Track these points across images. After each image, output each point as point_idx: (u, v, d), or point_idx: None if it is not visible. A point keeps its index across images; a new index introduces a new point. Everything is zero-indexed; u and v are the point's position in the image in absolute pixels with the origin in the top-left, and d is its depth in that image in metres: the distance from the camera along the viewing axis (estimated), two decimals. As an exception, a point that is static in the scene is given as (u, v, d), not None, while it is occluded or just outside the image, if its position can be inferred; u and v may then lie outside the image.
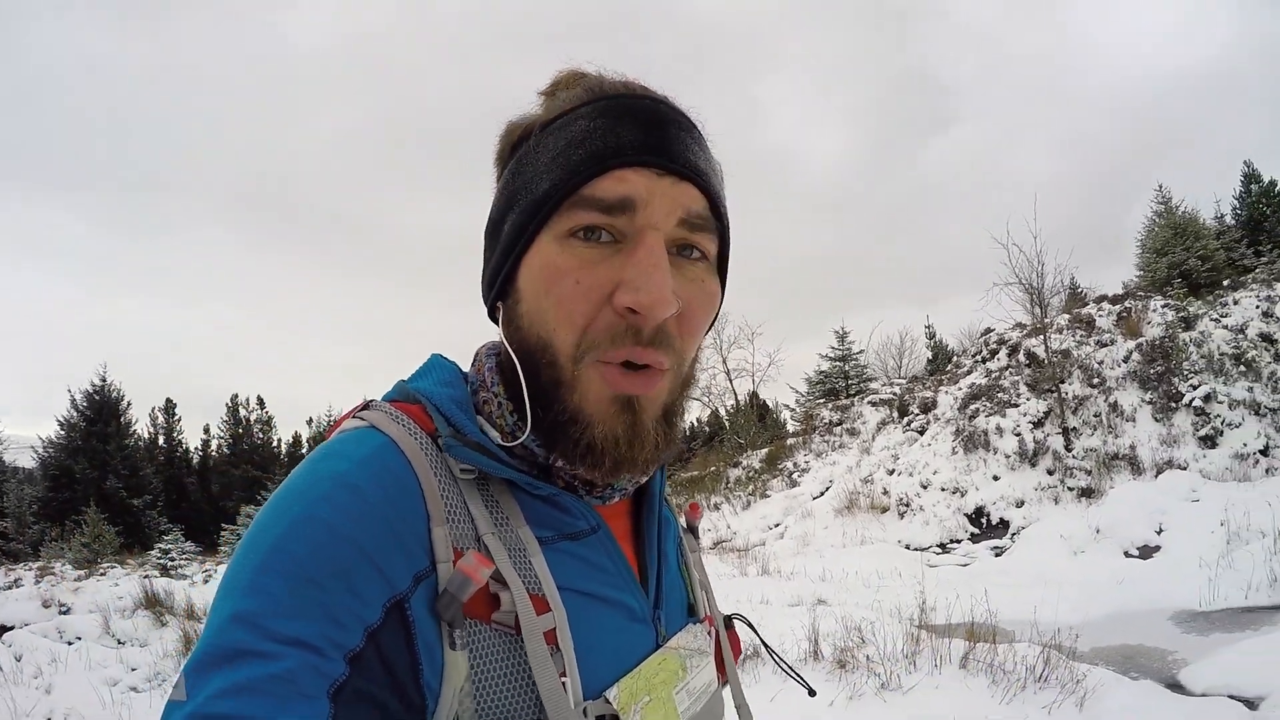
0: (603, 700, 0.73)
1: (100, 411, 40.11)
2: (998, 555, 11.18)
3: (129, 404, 42.40)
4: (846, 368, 33.35)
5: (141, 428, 45.84)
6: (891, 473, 15.44)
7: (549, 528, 0.78)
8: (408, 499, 0.69)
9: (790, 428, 27.97)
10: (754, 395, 32.44)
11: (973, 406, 15.72)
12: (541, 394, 0.76)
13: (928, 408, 17.84)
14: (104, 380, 41.26)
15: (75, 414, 39.80)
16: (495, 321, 0.85)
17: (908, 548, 12.49)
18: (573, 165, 0.74)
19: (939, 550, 12.21)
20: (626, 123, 0.75)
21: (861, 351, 33.95)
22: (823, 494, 16.20)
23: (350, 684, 0.61)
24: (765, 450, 22.88)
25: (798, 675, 1.14)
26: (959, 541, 12.36)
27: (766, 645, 1.14)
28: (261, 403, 52.81)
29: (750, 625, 1.16)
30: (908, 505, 13.76)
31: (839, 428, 20.80)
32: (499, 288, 0.81)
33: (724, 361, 32.18)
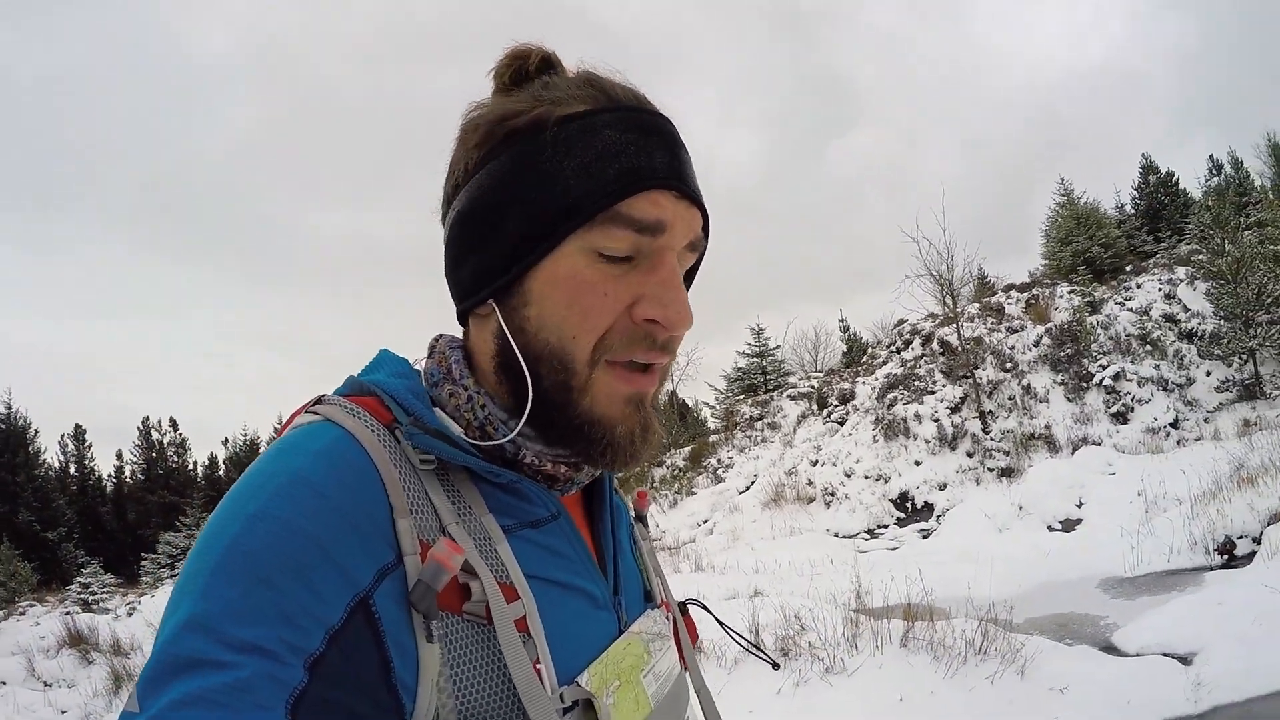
0: (576, 685, 0.73)
1: (7, 442, 38.64)
2: (925, 537, 11.44)
3: (36, 432, 41.06)
4: (764, 363, 33.71)
5: (51, 456, 44.61)
6: (815, 464, 15.67)
7: (510, 516, 0.77)
8: (369, 491, 0.67)
9: (712, 425, 28.21)
10: (673, 395, 32.63)
11: (891, 395, 16.06)
12: (549, 396, 0.76)
13: (846, 399, 18.16)
14: (9, 408, 39.87)
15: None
16: (461, 318, 0.84)
17: (837, 535, 12.67)
18: (608, 179, 0.73)
19: (867, 536, 12.43)
20: (654, 142, 0.76)
21: (778, 347, 34.43)
22: (749, 488, 16.40)
23: (311, 692, 0.58)
24: (689, 448, 23.01)
25: (760, 651, 1.17)
26: (886, 527, 12.60)
27: (724, 625, 1.17)
28: (175, 424, 51.81)
29: (706, 608, 1.16)
30: (833, 494, 13.97)
31: (760, 423, 21.08)
32: (493, 288, 0.78)
33: (642, 363, 32.41)
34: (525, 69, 0.81)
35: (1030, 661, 5.21)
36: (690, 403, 35.67)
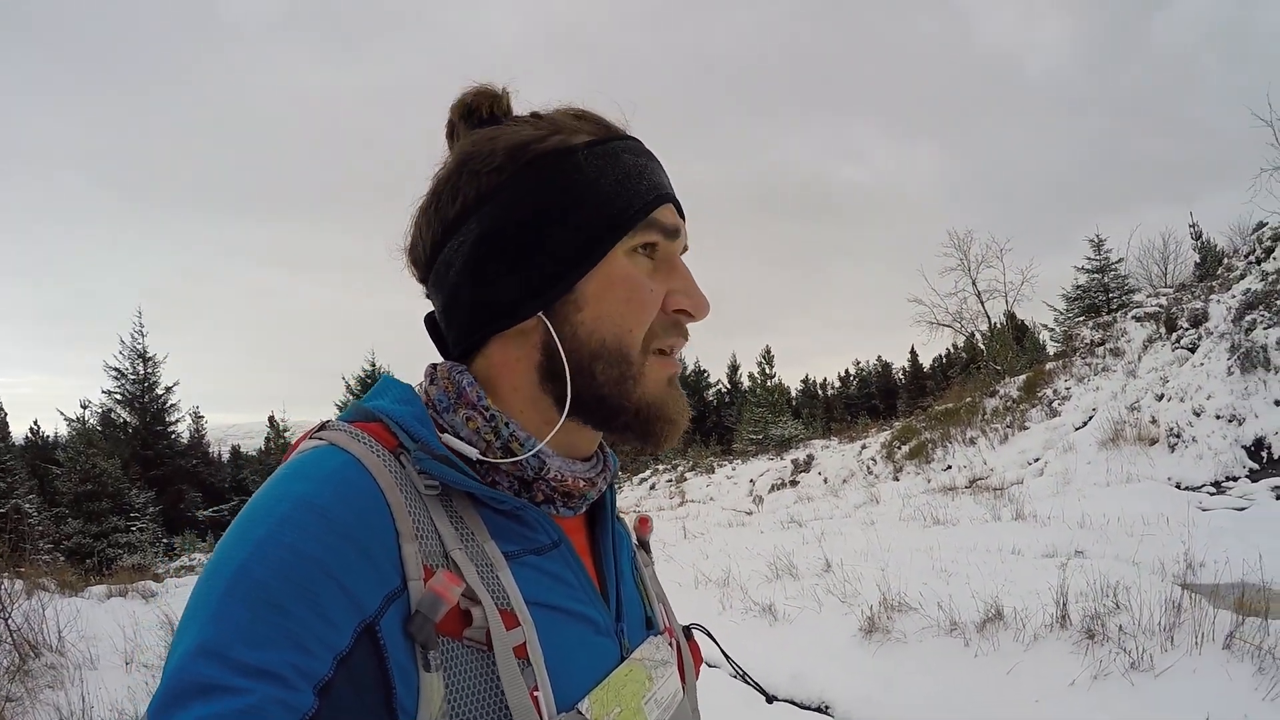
0: (575, 713, 0.76)
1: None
2: (1279, 498, 10.21)
3: (399, 381, 46.43)
4: (1106, 280, 31.13)
5: (413, 400, 49.92)
6: (1160, 398, 14.29)
7: (513, 542, 0.81)
8: (375, 516, 0.70)
9: (1049, 350, 26.53)
10: (1010, 316, 30.90)
11: (1249, 317, 14.21)
12: (602, 392, 0.86)
13: (1198, 320, 16.38)
14: (373, 364, 45.06)
15: (350, 396, 43.60)
16: (488, 340, 0.89)
17: (1178, 486, 11.52)
18: (640, 192, 0.88)
19: (1213, 490, 11.21)
20: (656, 164, 0.93)
21: (1120, 260, 31.65)
22: (1085, 424, 15.26)
23: (320, 717, 0.61)
24: (1024, 377, 21.78)
25: (754, 683, 1.23)
26: (1236, 479, 11.27)
27: (727, 655, 1.23)
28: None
29: (709, 635, 1.21)
30: (1178, 436, 12.69)
31: (1101, 348, 19.55)
32: (548, 297, 0.85)
33: (973, 283, 30.90)
34: (498, 106, 0.93)
35: (1370, 692, 4.55)
36: (1028, 325, 33.64)
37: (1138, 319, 19.58)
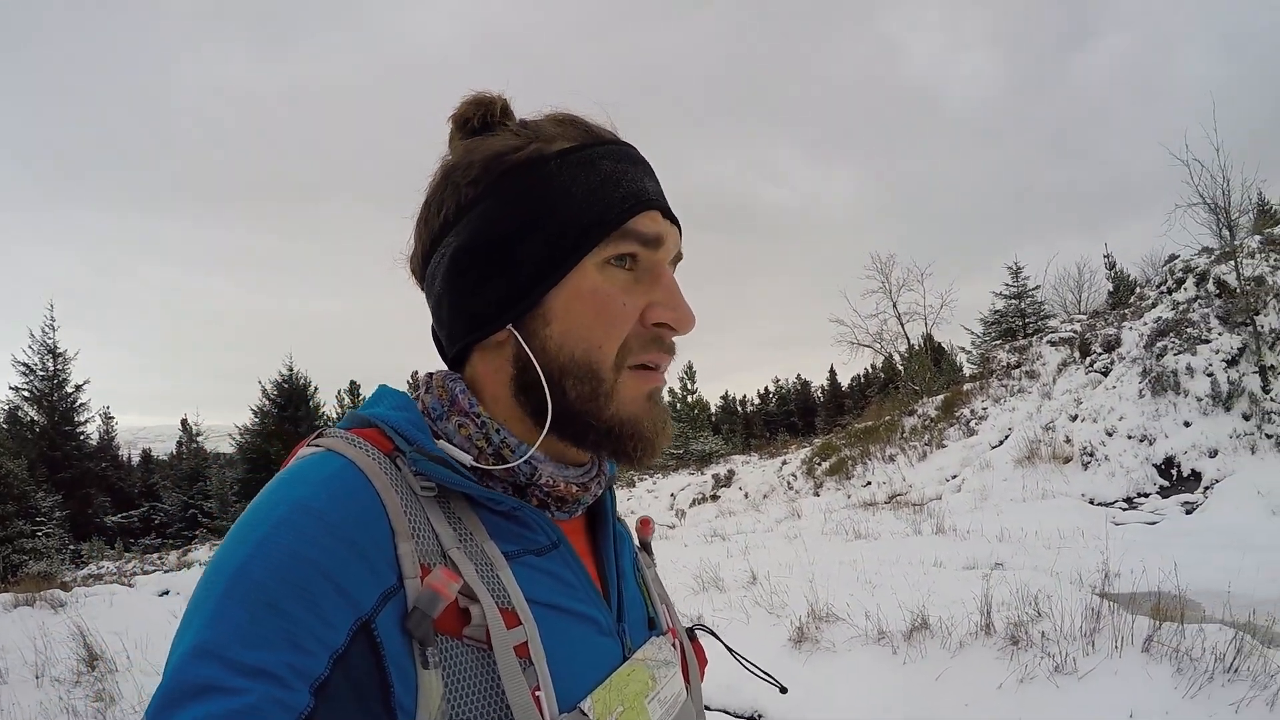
0: (578, 712, 0.75)
1: (290, 398, 43.51)
2: (1189, 512, 10.57)
3: (315, 389, 45.75)
4: (1023, 305, 32.20)
5: (329, 409, 49.36)
6: (1074, 419, 14.76)
7: (512, 543, 0.80)
8: (371, 516, 0.70)
9: (967, 372, 27.20)
10: (928, 338, 31.65)
11: (1160, 344, 14.74)
12: (573, 408, 0.83)
13: (1111, 346, 16.94)
14: (291, 369, 44.67)
15: (267, 402, 43.00)
16: (471, 351, 0.89)
17: (1091, 502, 11.93)
18: (613, 200, 0.83)
19: (1125, 505, 11.61)
20: (641, 170, 0.88)
21: (1037, 287, 32.72)
22: (1002, 443, 15.71)
23: (317, 716, 0.61)
24: (942, 397, 22.29)
25: (769, 676, 1.18)
26: (1147, 496, 11.70)
27: (733, 651, 1.20)
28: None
29: (714, 634, 1.19)
30: (1091, 455, 13.13)
31: (1018, 370, 20.06)
32: (517, 310, 0.84)
33: (894, 305, 31.54)
34: (491, 114, 0.89)
35: (1285, 690, 4.73)
36: (946, 347, 34.47)
37: (1053, 343, 20.14)
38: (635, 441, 0.85)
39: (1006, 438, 15.79)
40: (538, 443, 0.84)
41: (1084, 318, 24.93)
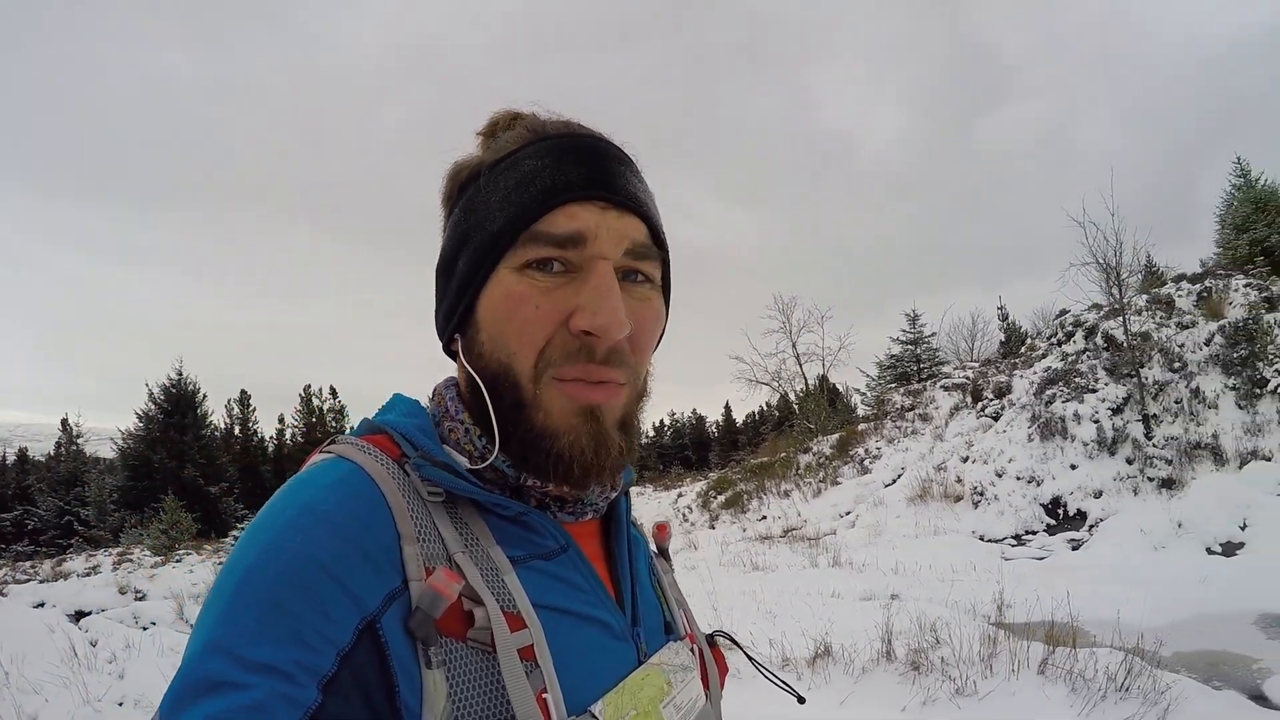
0: (588, 715, 0.73)
1: (178, 404, 41.84)
2: (1075, 548, 10.95)
3: (205, 396, 44.31)
4: (918, 351, 33.12)
5: (218, 418, 48.00)
6: (965, 460, 15.18)
7: (520, 548, 0.79)
8: (377, 519, 0.71)
9: (861, 413, 27.78)
10: (824, 379, 32.26)
11: (1049, 391, 15.37)
12: (507, 415, 0.80)
13: (1002, 392, 17.53)
14: (180, 374, 42.97)
15: (153, 407, 41.39)
16: (452, 356, 0.89)
17: (982, 539, 12.28)
18: (524, 202, 0.79)
19: (1014, 542, 11.98)
20: (570, 160, 0.81)
21: (933, 334, 33.85)
22: (895, 481, 16.04)
23: (325, 712, 0.61)
24: (836, 436, 22.67)
25: (787, 685, 1.16)
26: (1035, 533, 12.10)
27: (753, 659, 1.18)
28: (334, 392, 54.44)
29: (734, 641, 1.16)
30: (982, 494, 13.52)
31: (911, 413, 20.54)
32: (456, 322, 0.85)
33: (793, 345, 32.10)
34: (494, 129, 0.90)
35: (1174, 705, 4.89)
36: (841, 389, 35.19)
37: (946, 388, 20.72)
38: (552, 458, 0.79)
39: (900, 476, 16.14)
40: (496, 449, 0.81)
41: (976, 365, 25.81)
